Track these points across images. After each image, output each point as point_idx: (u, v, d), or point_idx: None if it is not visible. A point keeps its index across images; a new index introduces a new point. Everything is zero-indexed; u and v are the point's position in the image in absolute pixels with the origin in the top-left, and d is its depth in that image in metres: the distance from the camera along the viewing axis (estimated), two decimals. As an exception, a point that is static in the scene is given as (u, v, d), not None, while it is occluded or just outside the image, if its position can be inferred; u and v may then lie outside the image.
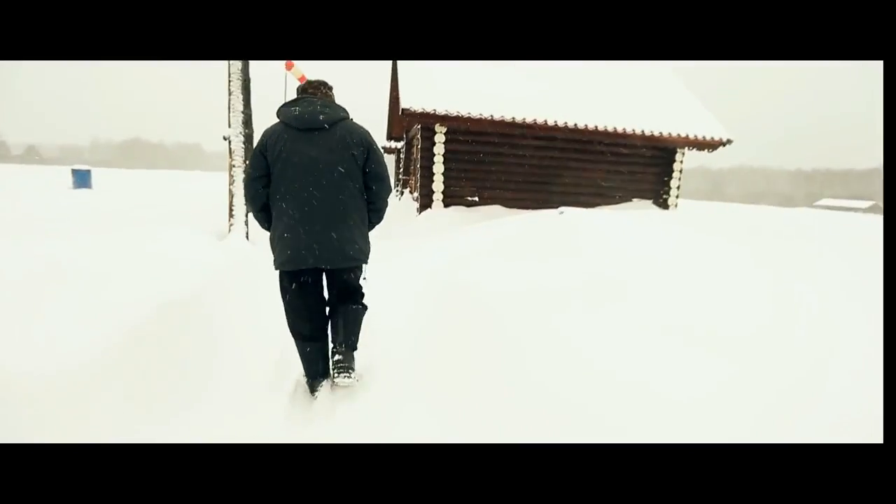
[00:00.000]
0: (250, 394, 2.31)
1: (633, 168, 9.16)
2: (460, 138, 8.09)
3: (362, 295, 2.43)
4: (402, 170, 12.33)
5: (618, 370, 1.78)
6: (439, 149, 7.94)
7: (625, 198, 9.20)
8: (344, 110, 2.19)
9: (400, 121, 11.50)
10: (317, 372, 2.30)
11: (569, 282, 2.53)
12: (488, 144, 8.29)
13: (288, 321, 2.28)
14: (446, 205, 8.14)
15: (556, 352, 2.01)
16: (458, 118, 7.45)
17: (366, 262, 2.33)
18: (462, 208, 8.10)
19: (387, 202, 2.36)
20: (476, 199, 8.34)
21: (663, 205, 9.33)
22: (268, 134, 2.12)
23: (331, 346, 2.29)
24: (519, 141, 8.36)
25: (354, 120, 2.23)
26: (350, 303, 2.35)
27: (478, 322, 2.49)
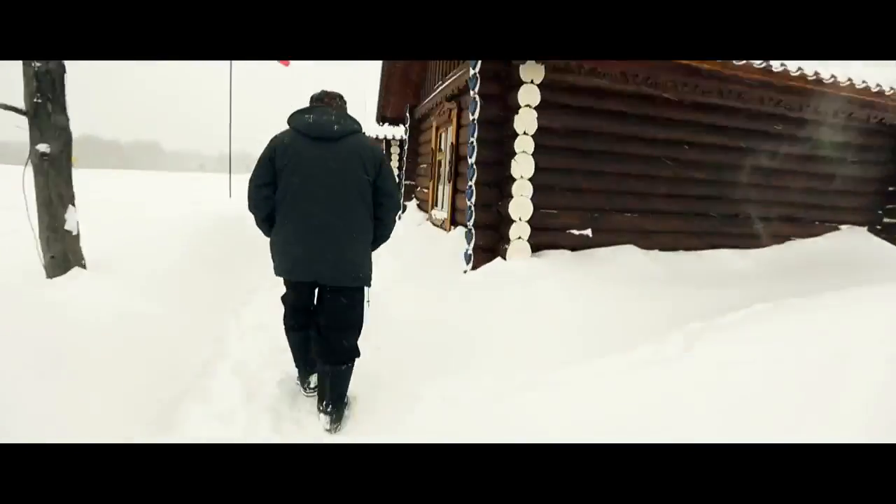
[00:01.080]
0: None
1: (843, 166, 4.99)
2: (563, 104, 3.72)
3: (356, 347, 2.20)
4: (402, 169, 7.73)
5: None
6: (526, 123, 3.51)
7: (828, 223, 5.07)
8: (357, 123, 2.12)
9: (403, 87, 7.03)
10: (305, 361, 2.30)
11: None
12: (614, 118, 3.94)
13: (285, 317, 2.30)
14: (535, 248, 3.72)
15: None
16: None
17: (368, 286, 2.21)
18: (564, 255, 3.73)
19: (395, 219, 2.29)
20: (588, 233, 3.97)
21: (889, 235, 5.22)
22: (277, 140, 2.04)
23: (318, 403, 2.19)
24: (670, 113, 4.06)
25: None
26: (338, 362, 2.12)
27: None
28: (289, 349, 2.34)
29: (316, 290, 2.22)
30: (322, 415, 2.08)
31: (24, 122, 2.41)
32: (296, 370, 2.38)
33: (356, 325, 2.19)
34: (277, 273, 2.12)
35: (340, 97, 2.16)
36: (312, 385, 2.31)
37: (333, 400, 2.07)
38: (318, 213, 1.97)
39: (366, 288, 2.20)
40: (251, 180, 2.06)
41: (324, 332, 2.13)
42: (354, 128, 2.06)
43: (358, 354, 2.20)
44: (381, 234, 2.21)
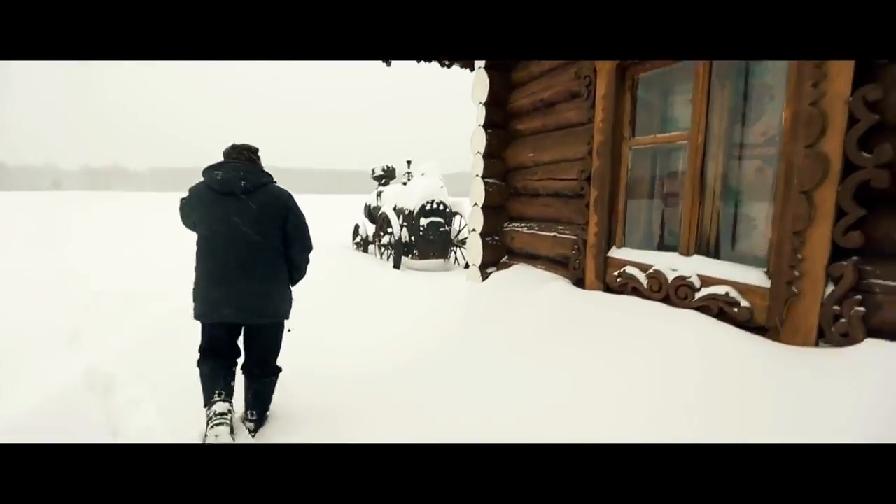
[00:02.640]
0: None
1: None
2: None
3: (277, 366, 2.56)
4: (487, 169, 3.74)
5: None
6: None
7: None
8: (267, 175, 2.42)
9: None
10: (215, 392, 2.31)
11: None
12: None
13: (200, 346, 2.44)
14: None
15: None
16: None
17: (287, 318, 2.51)
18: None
19: (307, 259, 2.56)
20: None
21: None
22: (193, 192, 2.39)
23: (244, 411, 2.47)
24: None
25: (278, 183, 2.47)
26: (262, 376, 2.46)
27: None
28: None
29: (238, 335, 2.49)
30: (247, 421, 2.43)
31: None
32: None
33: (276, 351, 2.55)
34: (196, 316, 2.34)
35: (249, 150, 2.46)
36: (219, 411, 2.26)
37: (259, 412, 2.44)
38: (230, 264, 2.26)
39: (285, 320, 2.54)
40: (180, 209, 2.46)
41: (247, 366, 2.48)
42: (263, 180, 2.37)
43: (279, 370, 2.58)
44: (294, 276, 2.55)
